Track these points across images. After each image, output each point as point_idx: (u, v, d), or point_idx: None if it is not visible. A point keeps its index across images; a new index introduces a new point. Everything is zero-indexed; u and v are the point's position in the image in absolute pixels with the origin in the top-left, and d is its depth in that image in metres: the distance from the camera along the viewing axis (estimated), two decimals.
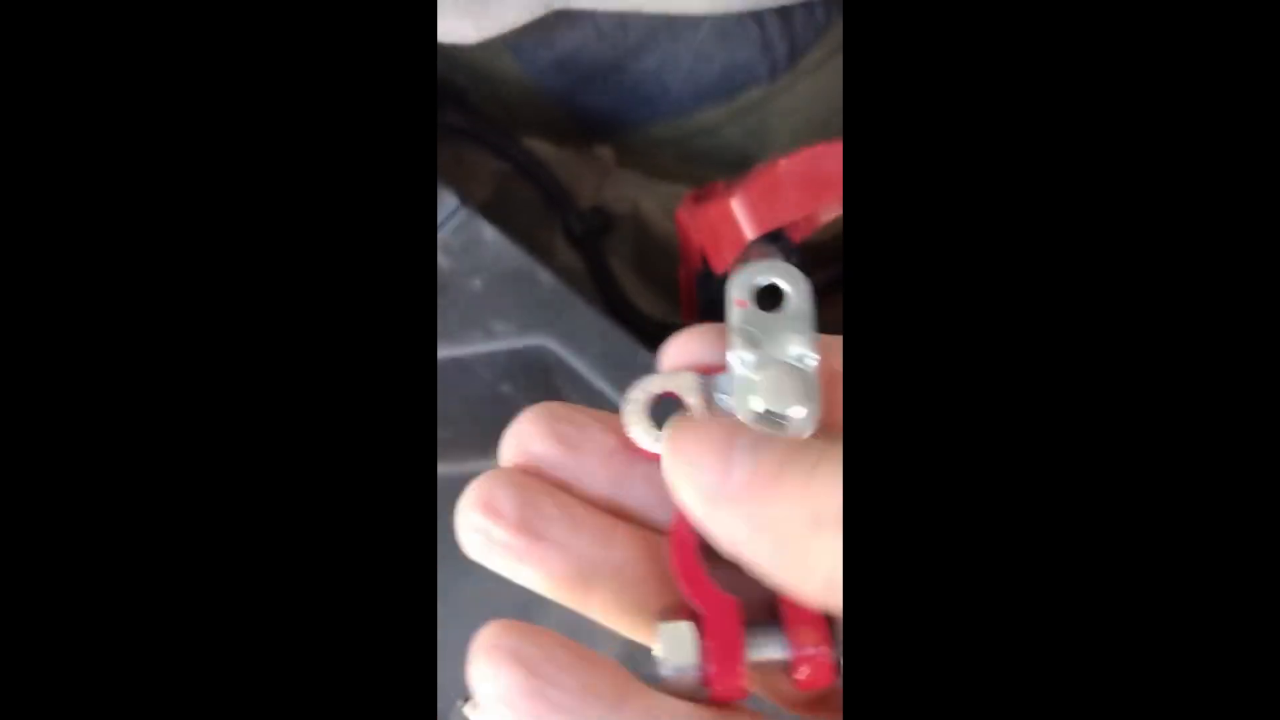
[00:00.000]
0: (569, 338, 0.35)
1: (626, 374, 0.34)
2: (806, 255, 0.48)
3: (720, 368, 0.21)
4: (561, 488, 0.20)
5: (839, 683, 0.19)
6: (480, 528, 0.19)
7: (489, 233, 0.37)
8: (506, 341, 0.35)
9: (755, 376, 0.20)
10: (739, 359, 0.20)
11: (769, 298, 0.21)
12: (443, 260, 0.37)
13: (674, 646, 0.18)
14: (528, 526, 0.19)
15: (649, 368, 0.29)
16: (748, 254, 0.38)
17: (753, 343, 0.20)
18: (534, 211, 0.53)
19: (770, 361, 0.20)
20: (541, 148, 0.55)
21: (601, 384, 0.34)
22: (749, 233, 0.31)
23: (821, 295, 0.42)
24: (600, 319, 0.35)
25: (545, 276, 0.36)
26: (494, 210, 0.53)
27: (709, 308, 0.45)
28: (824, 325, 0.24)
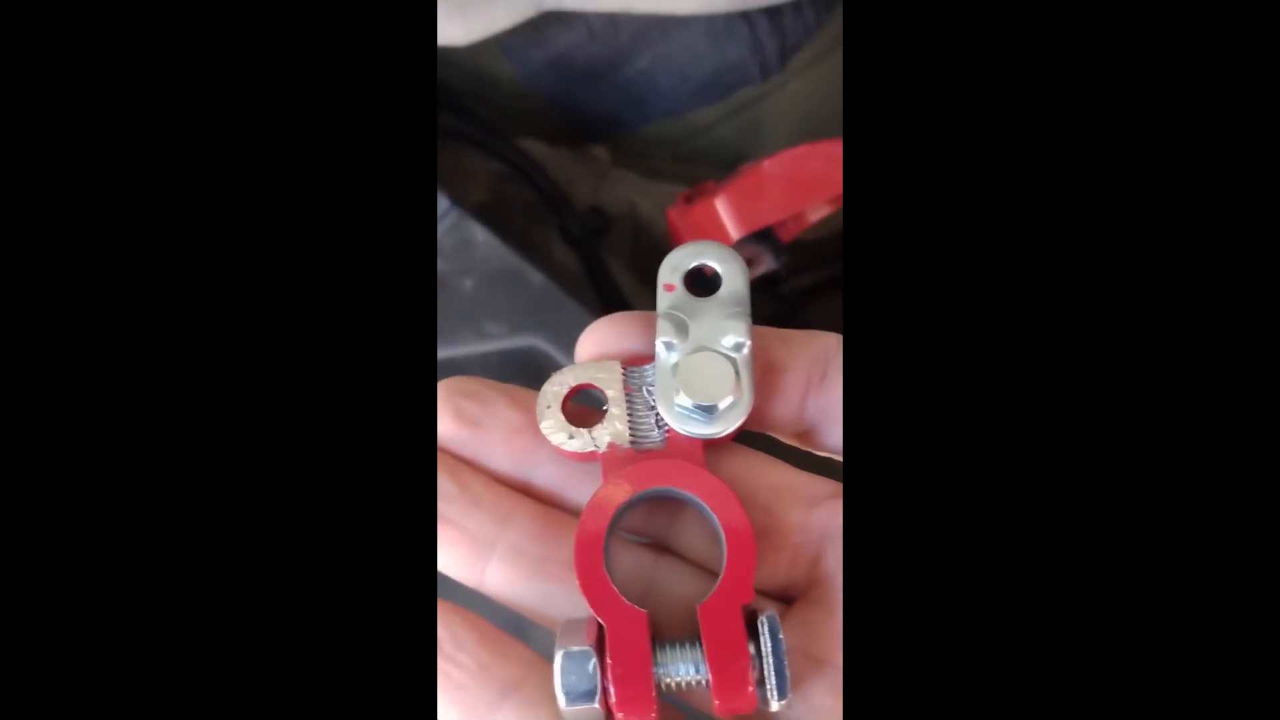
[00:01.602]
0: (560, 338, 0.35)
1: None
2: (799, 255, 0.48)
3: (647, 358, 0.19)
4: (465, 464, 0.19)
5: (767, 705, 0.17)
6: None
7: (480, 234, 0.37)
8: (498, 342, 0.36)
9: (680, 366, 0.18)
10: (665, 347, 0.19)
11: (701, 282, 0.20)
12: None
13: (567, 675, 0.17)
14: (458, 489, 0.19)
15: None
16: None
17: (681, 329, 0.19)
18: (531, 213, 0.54)
19: (698, 350, 0.18)
20: (537, 149, 0.55)
21: None
22: (734, 232, 0.31)
23: (811, 294, 0.42)
24: (590, 318, 0.35)
25: (536, 277, 0.36)
26: (491, 212, 0.54)
27: None
28: (816, 324, 0.23)
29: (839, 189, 0.30)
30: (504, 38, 0.41)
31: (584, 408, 0.20)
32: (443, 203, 0.37)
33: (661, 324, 0.19)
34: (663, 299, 0.19)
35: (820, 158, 0.29)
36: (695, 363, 0.18)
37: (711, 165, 0.53)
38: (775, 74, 0.44)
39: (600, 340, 0.20)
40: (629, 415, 0.19)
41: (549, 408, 0.19)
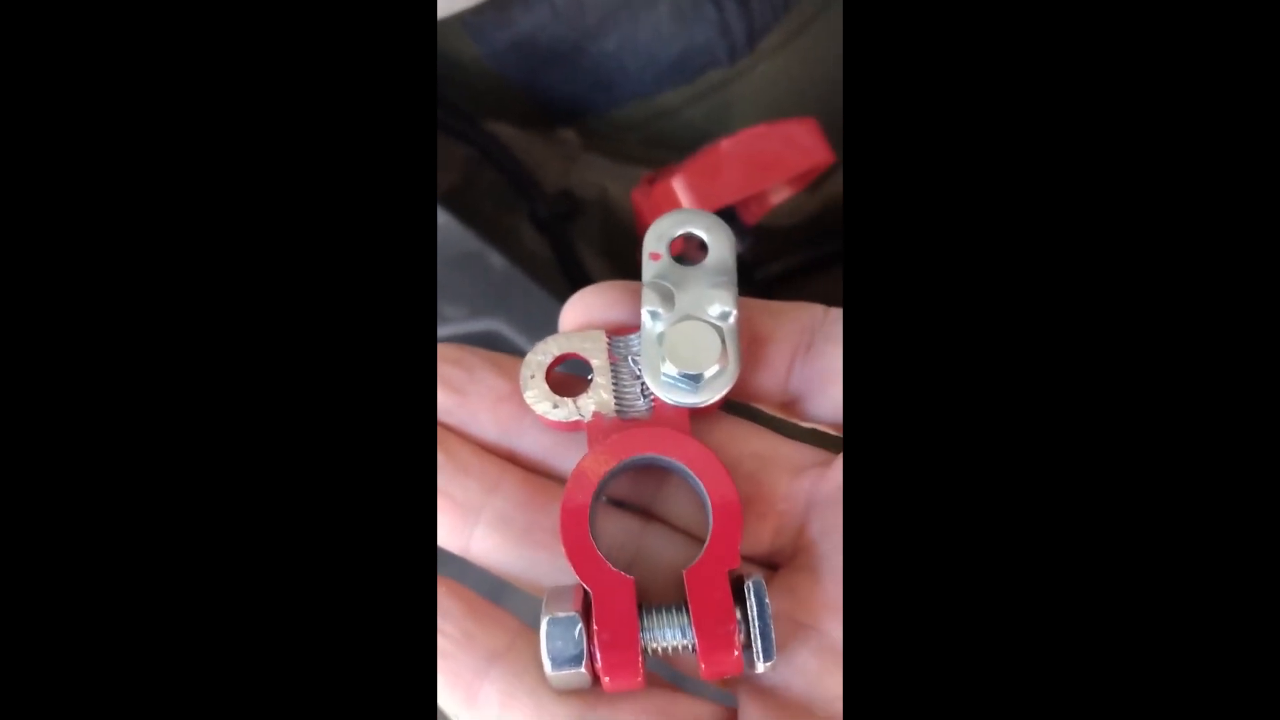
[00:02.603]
0: (521, 321, 0.35)
1: None
2: (771, 242, 0.47)
3: (632, 327, 0.19)
4: (451, 432, 0.19)
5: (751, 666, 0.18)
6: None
7: (440, 216, 0.36)
8: (458, 326, 0.35)
9: (666, 335, 0.18)
10: (650, 316, 0.19)
11: (687, 250, 0.20)
12: None
13: (553, 641, 0.17)
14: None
15: None
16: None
17: (666, 298, 0.19)
18: (500, 197, 0.53)
19: (684, 319, 0.18)
20: (505, 132, 0.54)
21: None
22: None
23: (784, 281, 0.42)
24: (552, 302, 0.35)
25: (498, 260, 0.36)
26: (460, 196, 0.53)
27: None
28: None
29: (798, 170, 0.29)
30: (467, 16, 0.41)
31: (568, 377, 0.20)
32: None
33: (647, 293, 0.19)
34: (648, 268, 0.19)
35: (778, 138, 0.29)
36: (682, 331, 0.18)
37: (680, 148, 0.52)
38: (743, 57, 0.43)
39: (584, 309, 0.20)
40: (614, 384, 0.19)
41: (533, 377, 0.19)
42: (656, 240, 0.19)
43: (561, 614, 0.17)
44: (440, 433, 0.19)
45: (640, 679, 0.17)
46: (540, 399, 0.19)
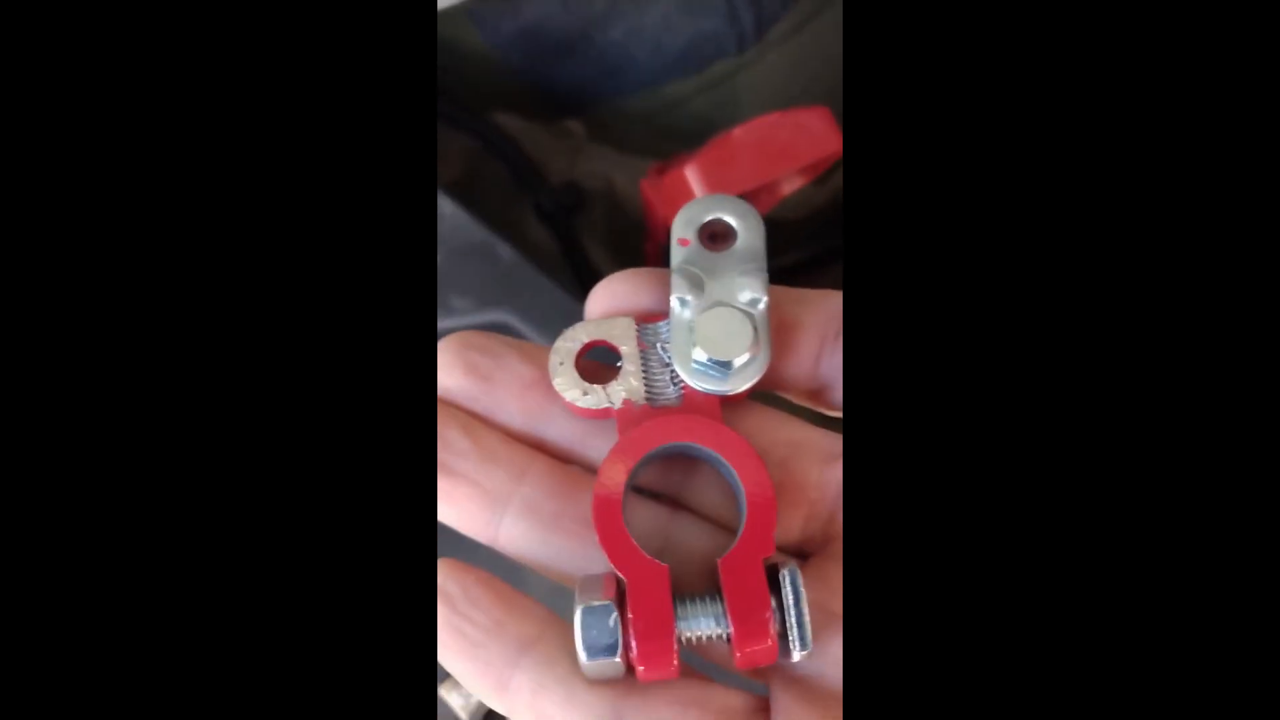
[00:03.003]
0: (528, 313, 0.34)
1: None
2: (778, 234, 0.47)
3: (660, 314, 0.19)
4: (478, 419, 0.19)
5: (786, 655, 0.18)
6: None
7: (448, 207, 0.36)
8: (466, 317, 0.35)
9: (697, 321, 0.18)
10: (680, 303, 0.18)
11: (716, 236, 0.19)
12: None
13: (588, 630, 0.17)
14: (437, 460, 0.18)
15: None
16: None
17: (696, 285, 0.18)
18: (505, 188, 0.53)
19: (715, 305, 0.18)
20: (510, 123, 0.54)
21: None
22: None
23: (793, 274, 0.42)
24: (559, 293, 0.35)
25: (505, 251, 0.35)
26: (464, 188, 0.53)
27: None
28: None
29: (811, 159, 0.29)
30: (473, 5, 0.40)
31: (597, 364, 0.19)
32: None
33: (676, 280, 0.18)
34: (676, 253, 0.19)
35: (791, 126, 0.29)
36: (713, 318, 0.18)
37: (687, 139, 0.52)
38: (751, 46, 0.43)
39: (612, 296, 0.20)
40: (643, 372, 0.19)
41: (562, 364, 0.19)
42: (685, 225, 0.19)
43: (596, 602, 0.17)
44: (466, 419, 0.19)
45: (676, 668, 0.17)
46: (569, 386, 0.19)
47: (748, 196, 0.36)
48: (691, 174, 0.29)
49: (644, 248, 0.50)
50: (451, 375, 0.19)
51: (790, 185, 0.34)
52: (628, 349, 0.19)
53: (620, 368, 0.19)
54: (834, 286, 0.24)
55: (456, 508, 0.19)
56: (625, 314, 0.19)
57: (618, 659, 0.16)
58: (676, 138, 0.51)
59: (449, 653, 0.18)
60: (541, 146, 0.54)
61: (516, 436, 0.19)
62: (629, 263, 0.60)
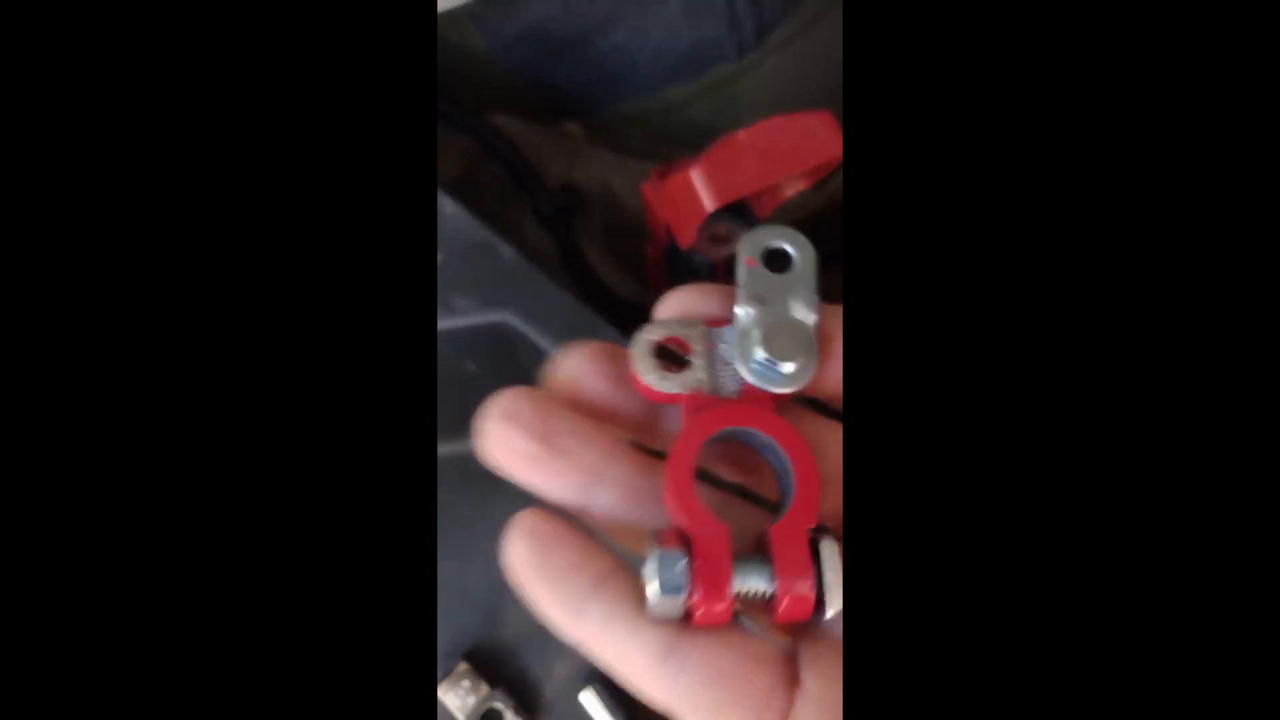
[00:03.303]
0: (531, 313, 0.34)
1: None
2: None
3: (722, 321, 0.22)
4: (603, 416, 0.22)
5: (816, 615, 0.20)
6: (501, 435, 0.21)
7: (450, 207, 0.36)
8: (468, 317, 0.35)
9: (758, 329, 0.21)
10: (744, 313, 0.21)
11: (776, 260, 0.22)
12: None
13: (663, 571, 0.19)
14: (543, 436, 0.21)
15: (613, 342, 0.29)
16: (712, 229, 0.38)
17: (758, 299, 0.21)
18: (503, 190, 0.53)
19: (772, 317, 0.21)
20: (509, 124, 0.54)
21: None
22: (708, 204, 0.30)
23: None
24: (562, 294, 0.35)
25: (506, 251, 0.35)
26: (463, 189, 0.53)
27: (679, 282, 0.45)
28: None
29: (814, 162, 0.29)
30: (474, 7, 0.41)
31: (668, 359, 0.22)
32: None
33: (742, 292, 0.22)
34: (742, 271, 0.22)
35: (794, 130, 0.29)
36: (778, 326, 0.21)
37: (686, 144, 0.52)
38: (751, 52, 0.43)
39: (682, 303, 0.23)
40: (709, 368, 0.22)
41: (641, 354, 0.21)
42: (751, 249, 0.22)
43: (669, 549, 0.19)
44: (571, 409, 0.21)
45: (729, 614, 0.19)
46: (649, 371, 0.21)
47: (751, 199, 0.37)
48: (696, 176, 0.30)
49: (644, 250, 0.50)
50: (595, 378, 0.22)
51: (791, 188, 0.34)
52: (698, 346, 0.22)
53: (690, 362, 0.22)
54: (829, 288, 0.26)
55: (559, 479, 0.21)
56: (695, 318, 0.22)
57: (681, 600, 0.19)
58: (676, 142, 0.51)
59: (533, 586, 0.20)
60: (540, 149, 0.54)
61: (633, 428, 0.22)
62: (627, 265, 0.60)
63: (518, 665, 0.43)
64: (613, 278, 0.53)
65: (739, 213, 0.37)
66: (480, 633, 0.43)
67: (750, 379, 0.21)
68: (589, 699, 0.41)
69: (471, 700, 0.41)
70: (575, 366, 0.22)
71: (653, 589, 0.19)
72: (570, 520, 0.21)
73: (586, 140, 0.55)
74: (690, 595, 0.19)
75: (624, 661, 0.19)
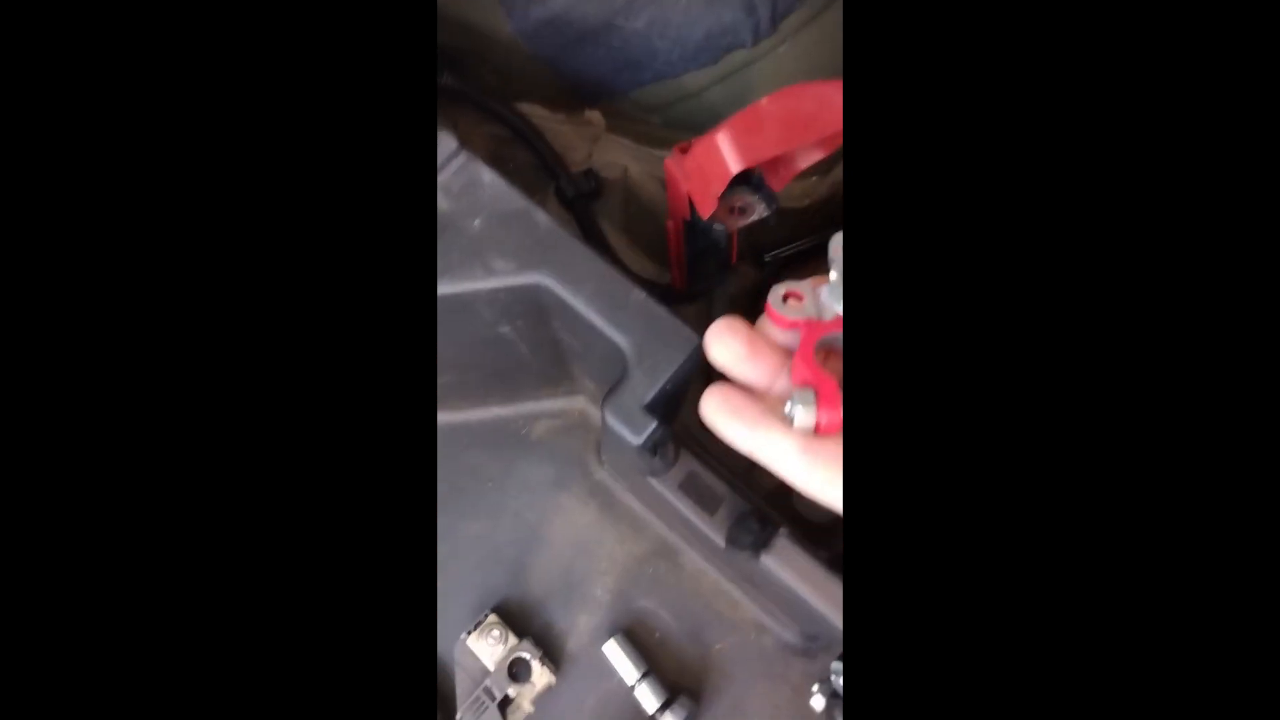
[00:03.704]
0: (565, 275, 0.37)
1: (617, 308, 0.36)
2: (782, 224, 0.50)
3: (822, 280, 0.31)
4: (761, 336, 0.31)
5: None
6: (723, 341, 0.30)
7: (487, 175, 0.39)
8: (506, 279, 0.37)
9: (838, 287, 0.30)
10: (835, 273, 0.30)
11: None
12: (443, 202, 0.38)
13: (803, 400, 0.28)
14: (749, 342, 0.30)
15: (640, 303, 0.32)
16: (732, 201, 0.41)
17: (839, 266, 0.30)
18: (528, 174, 0.55)
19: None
20: (535, 111, 0.57)
21: (594, 318, 0.36)
22: (734, 166, 0.33)
23: (789, 264, 0.46)
24: (593, 257, 0.37)
25: (541, 217, 0.38)
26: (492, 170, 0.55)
27: (696, 259, 0.48)
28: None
29: (830, 129, 0.32)
30: None
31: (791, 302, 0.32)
32: (451, 143, 0.39)
33: (833, 271, 0.30)
34: (834, 247, 0.30)
35: (812, 97, 0.31)
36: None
37: (701, 130, 0.55)
38: (766, 37, 0.46)
39: (785, 285, 0.31)
40: (816, 307, 0.31)
41: (775, 298, 0.31)
42: (831, 261, 0.30)
43: (805, 388, 0.29)
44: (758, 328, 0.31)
45: (840, 426, 0.28)
46: (779, 306, 0.31)
47: (768, 172, 0.39)
48: (723, 139, 0.32)
49: (661, 237, 0.52)
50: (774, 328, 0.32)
51: (806, 159, 0.37)
52: (809, 296, 0.31)
53: (804, 302, 0.31)
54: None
55: (756, 370, 0.30)
56: (812, 280, 0.31)
57: (812, 417, 0.28)
58: (690, 129, 0.54)
59: (725, 420, 0.30)
60: (563, 136, 0.57)
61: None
62: (643, 245, 0.62)
63: (544, 618, 0.45)
64: (628, 255, 0.56)
65: (757, 186, 0.40)
66: (508, 587, 0.45)
67: (839, 310, 0.30)
68: (612, 649, 0.43)
69: (500, 650, 0.43)
70: (726, 328, 0.30)
71: (797, 411, 0.28)
72: (747, 390, 0.30)
73: (606, 128, 0.57)
74: (818, 414, 0.28)
75: (780, 458, 0.29)
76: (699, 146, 0.34)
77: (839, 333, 0.30)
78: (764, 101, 0.31)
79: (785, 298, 0.31)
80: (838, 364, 0.32)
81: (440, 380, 0.45)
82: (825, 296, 0.31)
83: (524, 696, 0.43)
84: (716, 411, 0.30)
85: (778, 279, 0.31)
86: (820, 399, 0.28)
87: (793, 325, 0.31)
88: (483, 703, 0.42)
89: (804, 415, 0.28)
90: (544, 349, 0.43)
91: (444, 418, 0.48)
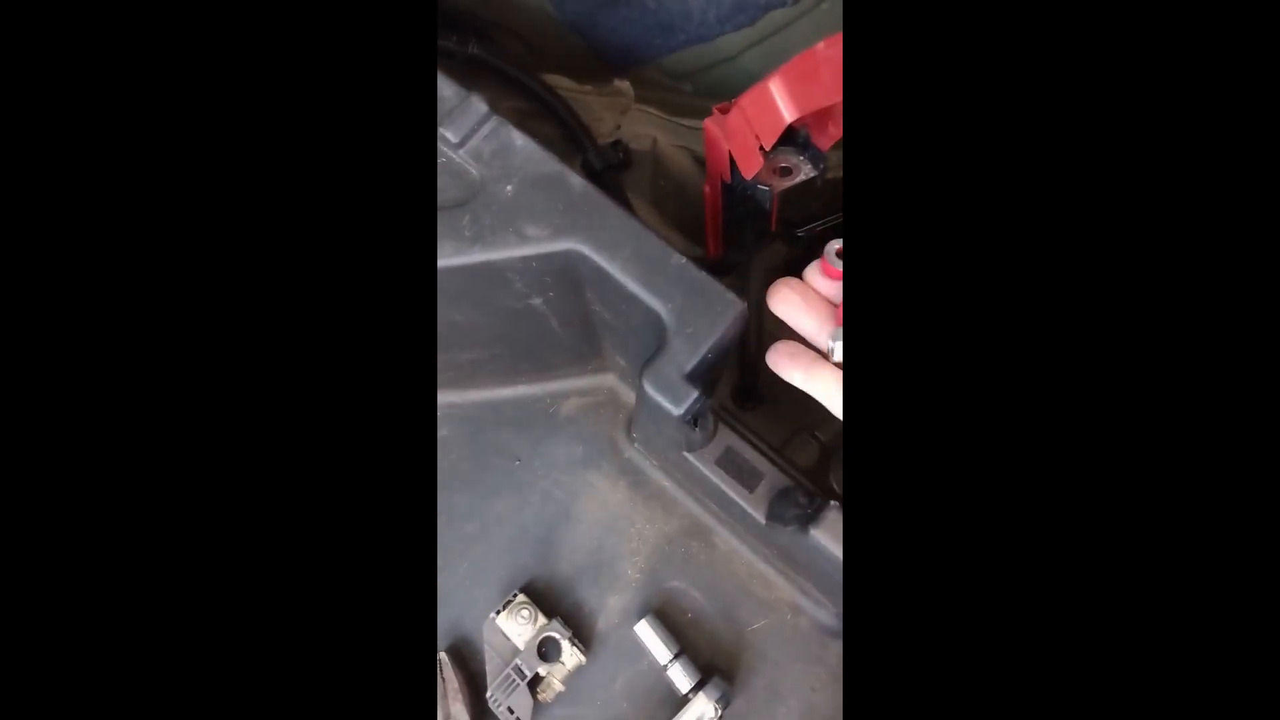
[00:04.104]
0: (599, 240, 0.35)
1: (656, 274, 0.34)
2: (815, 199, 0.49)
3: None
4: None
5: None
6: (783, 293, 0.33)
7: (519, 139, 0.37)
8: (539, 245, 0.36)
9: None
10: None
11: None
12: (474, 167, 0.37)
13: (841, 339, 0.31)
14: (803, 294, 0.33)
15: (680, 268, 0.30)
16: (776, 161, 0.39)
17: None
18: (555, 146, 0.54)
19: None
20: (562, 83, 0.55)
21: (632, 284, 0.35)
22: (787, 114, 0.31)
23: (814, 239, 0.45)
24: (630, 221, 0.35)
25: (576, 181, 0.36)
26: None
27: (732, 226, 0.46)
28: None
29: None
30: None
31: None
32: (481, 108, 0.37)
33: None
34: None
35: None
36: None
37: (732, 96, 0.53)
38: None
39: (838, 241, 0.34)
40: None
41: (830, 251, 0.33)
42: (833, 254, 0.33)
43: (839, 340, 0.32)
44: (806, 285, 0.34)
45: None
46: (833, 258, 0.33)
47: (818, 121, 0.38)
48: (775, 86, 0.31)
49: (689, 210, 0.51)
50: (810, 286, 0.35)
51: None
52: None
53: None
54: None
55: (808, 322, 0.33)
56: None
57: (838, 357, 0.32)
58: (724, 96, 0.52)
59: (787, 363, 0.33)
60: (590, 107, 0.55)
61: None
62: (672, 218, 0.60)
63: (573, 598, 0.43)
64: (656, 229, 0.55)
65: (804, 145, 0.38)
66: (537, 566, 0.44)
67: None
68: (644, 629, 0.42)
69: (529, 629, 0.42)
70: (786, 284, 0.34)
71: (837, 347, 0.32)
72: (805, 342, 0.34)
73: (635, 99, 0.56)
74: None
75: (825, 390, 0.32)
76: (746, 98, 0.32)
77: None
78: (820, 46, 0.30)
79: (838, 253, 0.34)
80: None
81: (469, 357, 0.44)
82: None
83: (554, 675, 0.41)
84: (781, 358, 0.34)
85: (810, 255, 0.30)
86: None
87: (840, 276, 0.34)
88: (513, 681, 0.41)
89: (842, 351, 0.33)
90: (575, 323, 0.42)
91: (473, 395, 0.47)
